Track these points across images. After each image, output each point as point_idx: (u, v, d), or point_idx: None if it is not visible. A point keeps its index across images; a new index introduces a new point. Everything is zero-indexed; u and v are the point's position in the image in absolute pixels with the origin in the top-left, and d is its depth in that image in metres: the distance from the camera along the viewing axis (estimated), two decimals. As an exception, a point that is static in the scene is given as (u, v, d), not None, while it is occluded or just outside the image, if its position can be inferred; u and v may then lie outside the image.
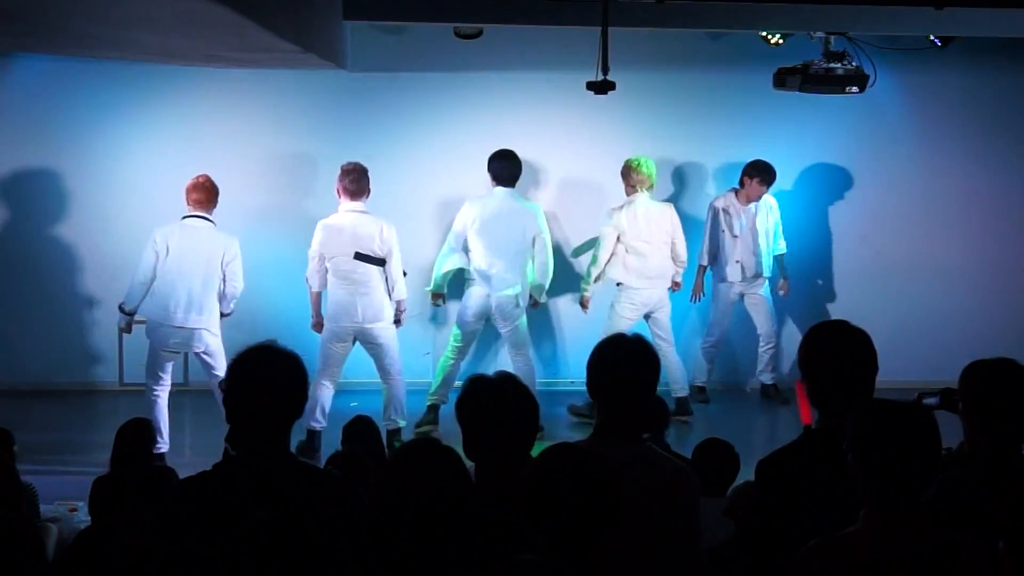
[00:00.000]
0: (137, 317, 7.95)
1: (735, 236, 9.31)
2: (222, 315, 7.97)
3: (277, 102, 9.71)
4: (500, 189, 8.52)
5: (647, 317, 8.95)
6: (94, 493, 5.38)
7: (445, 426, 8.19)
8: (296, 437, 5.24)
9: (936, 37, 9.03)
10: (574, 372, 9.42)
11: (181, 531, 3.25)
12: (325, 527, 3.26)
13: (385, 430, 7.66)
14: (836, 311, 9.95)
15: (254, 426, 3.34)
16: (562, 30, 8.80)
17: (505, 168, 8.52)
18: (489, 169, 8.56)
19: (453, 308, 9.09)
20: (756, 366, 9.75)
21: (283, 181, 9.77)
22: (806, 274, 9.98)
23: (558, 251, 9.65)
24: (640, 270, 8.80)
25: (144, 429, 6.10)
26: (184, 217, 7.90)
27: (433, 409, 8.61)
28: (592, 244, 9.21)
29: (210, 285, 7.82)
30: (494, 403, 3.61)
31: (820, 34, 8.54)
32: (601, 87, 7.58)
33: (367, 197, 8.12)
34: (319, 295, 8.15)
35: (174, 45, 7.68)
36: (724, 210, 9.31)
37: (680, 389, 9.01)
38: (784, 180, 9.74)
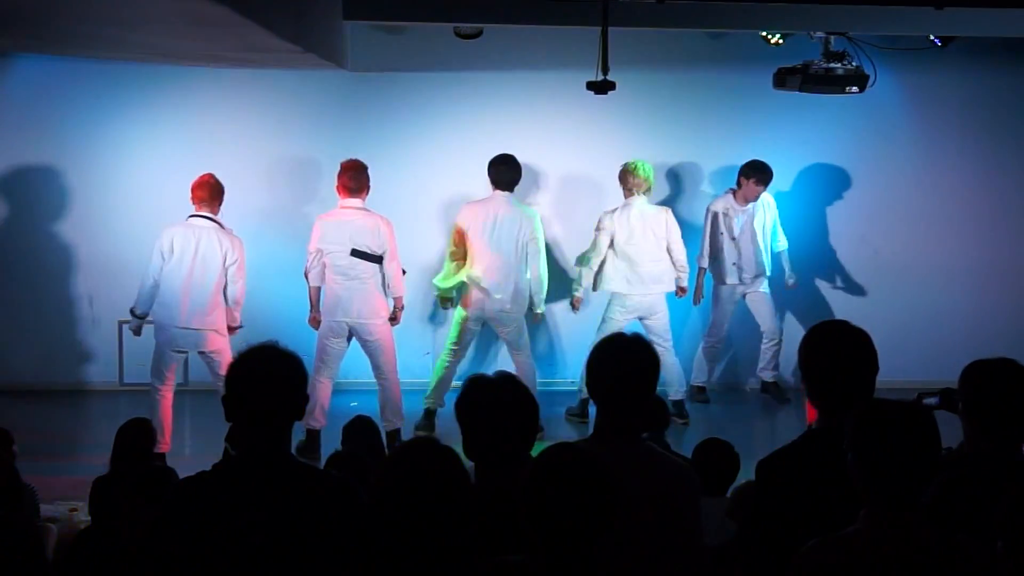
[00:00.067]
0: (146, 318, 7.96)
1: (733, 239, 9.29)
2: (230, 328, 7.90)
3: (277, 102, 9.71)
4: (499, 193, 8.52)
5: (642, 323, 8.83)
6: (94, 493, 5.36)
7: (445, 426, 8.18)
8: (296, 437, 5.24)
9: (936, 37, 9.02)
10: (572, 372, 9.41)
11: (181, 531, 3.25)
12: (325, 527, 3.25)
13: (384, 431, 7.66)
14: (836, 311, 9.95)
15: (254, 426, 3.33)
16: (562, 30, 8.80)
17: (504, 173, 8.52)
18: (488, 173, 8.56)
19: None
20: (757, 363, 9.73)
21: (282, 180, 9.77)
22: (806, 274, 9.97)
23: (558, 251, 9.65)
24: (630, 276, 8.74)
25: (144, 429, 6.08)
26: (189, 216, 7.89)
27: (429, 414, 8.61)
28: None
29: (215, 286, 7.78)
30: (494, 403, 3.61)
31: (820, 34, 8.54)
32: (601, 87, 7.58)
33: (366, 194, 8.12)
34: (317, 290, 8.15)
35: (175, 45, 7.69)
36: (723, 213, 9.29)
37: (677, 392, 8.98)
38: (784, 180, 9.74)
